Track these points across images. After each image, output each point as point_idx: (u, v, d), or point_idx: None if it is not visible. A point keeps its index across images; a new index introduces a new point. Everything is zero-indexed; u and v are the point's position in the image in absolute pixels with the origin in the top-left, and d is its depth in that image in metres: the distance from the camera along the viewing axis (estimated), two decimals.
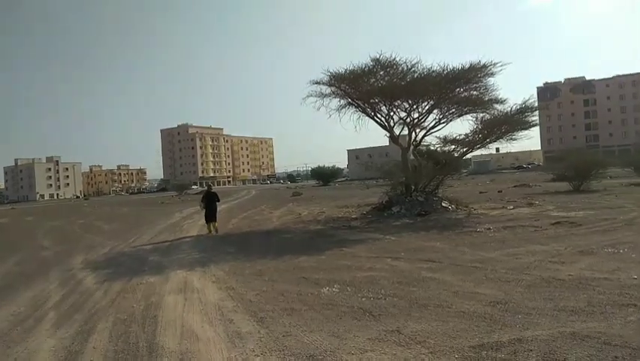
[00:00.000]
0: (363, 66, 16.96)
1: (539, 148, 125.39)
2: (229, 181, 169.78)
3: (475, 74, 16.71)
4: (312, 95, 18.69)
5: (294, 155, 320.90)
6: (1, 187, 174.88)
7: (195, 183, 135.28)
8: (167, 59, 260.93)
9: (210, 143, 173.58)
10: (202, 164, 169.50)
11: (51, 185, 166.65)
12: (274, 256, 10.27)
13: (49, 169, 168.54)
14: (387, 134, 19.41)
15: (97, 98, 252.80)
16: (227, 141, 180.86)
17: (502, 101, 18.02)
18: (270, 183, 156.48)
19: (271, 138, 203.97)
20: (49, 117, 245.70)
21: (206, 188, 18.96)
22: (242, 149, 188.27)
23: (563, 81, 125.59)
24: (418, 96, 17.70)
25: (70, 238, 18.63)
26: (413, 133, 19.07)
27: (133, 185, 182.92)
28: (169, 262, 10.78)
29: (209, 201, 16.37)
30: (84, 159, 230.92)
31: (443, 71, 16.69)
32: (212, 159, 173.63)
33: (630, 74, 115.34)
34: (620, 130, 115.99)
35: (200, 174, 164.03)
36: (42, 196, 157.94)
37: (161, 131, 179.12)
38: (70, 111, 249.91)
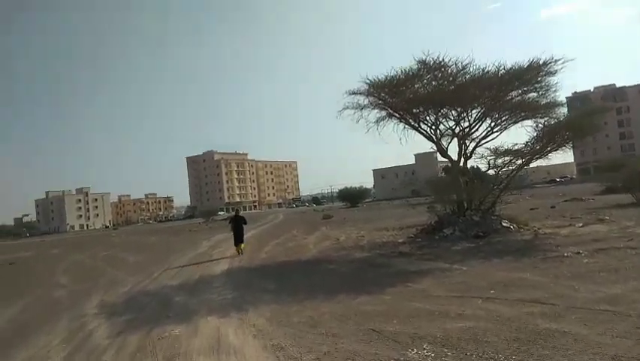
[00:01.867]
0: (407, 71, 15.10)
1: (571, 160, 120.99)
2: (255, 206, 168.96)
3: (534, 73, 14.65)
4: (348, 108, 16.91)
5: (318, 177, 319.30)
6: (33, 219, 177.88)
7: (222, 209, 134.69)
8: (190, 86, 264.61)
9: (235, 168, 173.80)
10: (228, 190, 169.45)
11: (81, 216, 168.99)
12: (325, 296, 8.33)
13: (79, 200, 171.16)
14: (434, 147, 17.41)
15: (122, 129, 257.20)
16: (252, 166, 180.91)
17: (562, 104, 15.89)
18: (296, 206, 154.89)
19: (295, 161, 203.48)
20: (76, 149, 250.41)
21: (234, 213, 19.64)
22: (267, 173, 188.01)
23: (592, 90, 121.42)
24: (468, 102, 15.72)
25: (91, 273, 17.08)
26: (463, 144, 17.00)
27: (161, 213, 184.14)
28: (198, 304, 8.97)
29: (237, 225, 17.62)
30: (113, 189, 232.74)
31: (498, 70, 14.67)
32: (237, 184, 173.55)
33: None
34: None
35: (227, 200, 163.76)
36: (72, 227, 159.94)
37: (187, 158, 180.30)
38: (97, 142, 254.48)
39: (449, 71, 14.86)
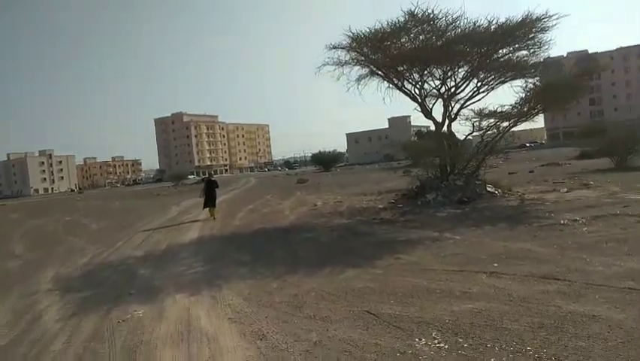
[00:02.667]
0: (393, 24, 13.96)
1: (541, 126, 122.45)
2: (226, 170, 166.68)
3: (528, 28, 13.73)
4: (328, 64, 15.77)
5: (290, 141, 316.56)
6: None
7: (192, 173, 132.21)
8: (159, 47, 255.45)
9: (205, 131, 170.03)
10: (198, 153, 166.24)
11: (45, 179, 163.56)
12: (307, 269, 7.49)
13: (43, 163, 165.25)
14: (418, 108, 16.49)
15: (88, 90, 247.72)
16: (222, 129, 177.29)
17: (554, 63, 15.12)
18: (268, 170, 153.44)
19: (267, 125, 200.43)
20: (40, 111, 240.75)
21: (206, 176, 19.79)
22: (238, 136, 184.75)
23: (565, 55, 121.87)
24: (456, 59, 14.79)
25: (50, 240, 15.84)
26: (448, 105, 16.14)
27: (128, 176, 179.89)
28: (164, 278, 8.01)
29: (209, 188, 17.55)
30: (78, 152, 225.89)
31: (490, 25, 13.69)
32: (208, 147, 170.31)
33: (635, 46, 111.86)
34: (625, 104, 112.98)
35: (197, 164, 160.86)
36: (36, 191, 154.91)
37: (155, 120, 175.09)
38: (62, 104, 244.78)
39: (438, 24, 13.81)
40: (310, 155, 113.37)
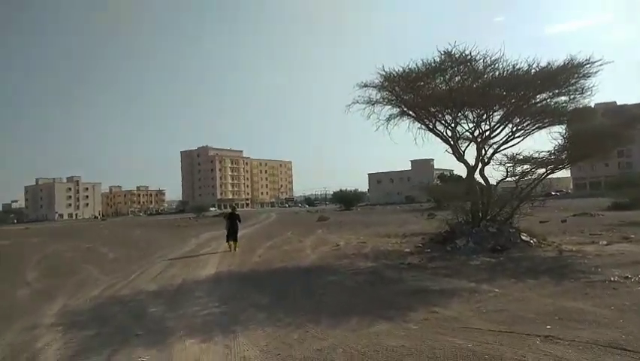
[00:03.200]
0: (428, 63, 13.53)
1: (567, 175, 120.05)
2: (247, 204, 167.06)
3: (569, 74, 13.13)
4: (358, 102, 15.36)
5: (311, 179, 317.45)
6: (22, 206, 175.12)
7: (213, 206, 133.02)
8: (189, 81, 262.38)
9: (230, 165, 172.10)
10: (221, 186, 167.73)
11: (70, 205, 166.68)
12: (332, 319, 6.76)
13: (70, 189, 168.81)
14: (450, 150, 15.85)
15: (119, 119, 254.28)
16: (246, 164, 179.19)
17: (593, 111, 14.42)
18: (289, 206, 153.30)
19: (290, 161, 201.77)
20: (71, 137, 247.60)
21: (230, 210, 20.12)
22: (261, 172, 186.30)
23: (593, 106, 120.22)
24: (492, 103, 14.22)
25: (65, 268, 15.42)
26: (482, 149, 15.47)
27: (151, 206, 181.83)
28: (176, 319, 7.37)
29: (232, 222, 18.03)
30: (104, 180, 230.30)
31: (530, 68, 13.13)
32: (231, 181, 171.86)
33: None
34: None
35: (219, 196, 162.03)
36: (61, 216, 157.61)
37: (181, 153, 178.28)
38: (92, 132, 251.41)
39: (475, 66, 13.30)
40: (331, 192, 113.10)
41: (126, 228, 48.08)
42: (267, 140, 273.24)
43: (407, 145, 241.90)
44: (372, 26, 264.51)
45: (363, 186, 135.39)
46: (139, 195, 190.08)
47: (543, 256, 12.35)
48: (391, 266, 12.00)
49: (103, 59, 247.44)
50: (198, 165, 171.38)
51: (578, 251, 13.07)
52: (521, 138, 15.56)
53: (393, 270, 11.33)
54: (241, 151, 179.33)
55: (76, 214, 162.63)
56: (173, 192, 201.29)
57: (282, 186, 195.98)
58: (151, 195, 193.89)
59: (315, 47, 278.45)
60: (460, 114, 14.89)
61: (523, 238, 14.50)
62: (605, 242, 14.92)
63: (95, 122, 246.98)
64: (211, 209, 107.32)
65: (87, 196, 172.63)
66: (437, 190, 70.46)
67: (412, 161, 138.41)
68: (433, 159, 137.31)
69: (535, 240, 14.65)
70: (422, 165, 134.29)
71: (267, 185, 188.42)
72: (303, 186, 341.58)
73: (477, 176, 15.81)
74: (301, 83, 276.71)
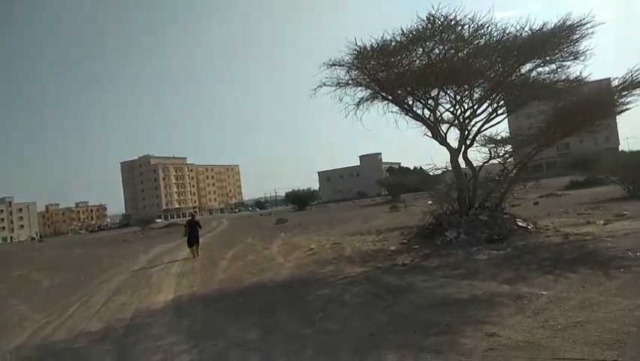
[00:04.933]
0: (407, 32, 11.75)
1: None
2: (195, 212, 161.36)
3: (563, 37, 11.72)
4: (326, 84, 13.48)
5: (260, 181, 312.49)
6: None
7: (159, 217, 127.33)
8: (128, 88, 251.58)
9: (174, 173, 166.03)
10: (166, 195, 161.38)
11: (4, 228, 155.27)
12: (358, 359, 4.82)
13: (1, 211, 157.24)
14: (429, 134, 14.26)
15: (50, 131, 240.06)
16: (191, 171, 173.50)
17: (581, 80, 13.15)
18: (239, 211, 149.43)
19: (237, 165, 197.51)
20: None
21: (189, 217, 20.07)
22: (207, 178, 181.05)
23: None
24: (476, 76, 12.70)
25: None
26: (464, 130, 13.95)
27: (93, 222, 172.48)
28: None
29: (192, 228, 18.50)
30: (39, 199, 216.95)
31: (522, 32, 11.59)
32: (176, 190, 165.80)
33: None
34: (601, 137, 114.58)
35: (165, 207, 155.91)
36: None
37: (121, 163, 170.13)
38: (22, 149, 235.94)
39: (461, 32, 11.63)
40: (283, 194, 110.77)
41: (65, 248, 43.75)
42: (211, 144, 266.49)
43: (349, 141, 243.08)
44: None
45: (313, 185, 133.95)
46: (78, 212, 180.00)
47: (553, 243, 10.94)
48: (386, 270, 10.19)
49: (30, 70, 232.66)
50: (140, 175, 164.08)
51: (584, 234, 11.78)
52: (506, 115, 14.23)
53: (392, 274, 9.51)
54: (185, 158, 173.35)
55: (11, 237, 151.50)
56: (116, 206, 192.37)
57: (230, 191, 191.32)
58: (91, 210, 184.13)
59: (261, 26, 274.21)
60: (441, 92, 13.28)
61: (520, 224, 13.11)
62: (601, 221, 13.80)
63: (26, 137, 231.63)
64: (157, 221, 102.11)
65: (22, 217, 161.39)
66: (387, 183, 70.25)
67: (360, 156, 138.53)
68: (380, 153, 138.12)
69: (532, 225, 13.29)
70: (371, 160, 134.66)
71: (214, 191, 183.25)
72: (252, 189, 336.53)
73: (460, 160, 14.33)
74: (244, 81, 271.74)
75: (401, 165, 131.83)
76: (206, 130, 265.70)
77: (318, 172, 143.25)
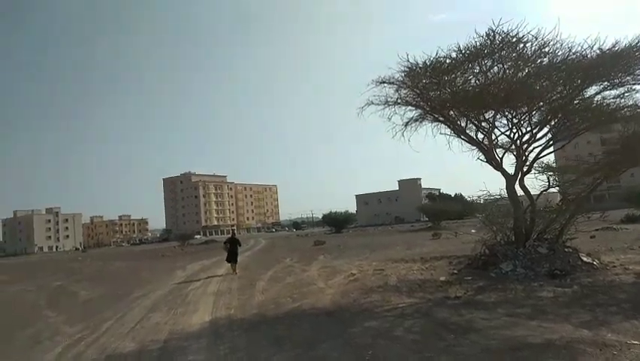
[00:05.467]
0: (464, 49, 11.07)
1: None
2: (233, 230, 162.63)
3: (635, 59, 10.73)
4: (373, 102, 12.93)
5: (296, 202, 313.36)
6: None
7: (198, 233, 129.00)
8: (170, 105, 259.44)
9: (214, 191, 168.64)
10: (205, 213, 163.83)
11: (50, 237, 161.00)
12: None
13: (49, 220, 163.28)
14: (483, 158, 13.43)
15: (99, 147, 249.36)
16: (230, 189, 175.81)
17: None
18: (276, 230, 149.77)
19: (275, 185, 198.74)
20: (49, 168, 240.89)
21: (230, 235, 21.56)
22: (246, 197, 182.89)
23: None
24: (536, 98, 11.85)
25: (19, 317, 12.46)
26: (522, 155, 13.05)
27: (134, 235, 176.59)
28: None
29: (232, 245, 19.41)
30: (85, 210, 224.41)
31: (587, 53, 10.70)
32: (215, 207, 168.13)
33: None
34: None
35: (204, 223, 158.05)
36: (41, 248, 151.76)
37: (164, 180, 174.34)
38: (70, 161, 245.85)
39: (523, 50, 10.87)
40: (319, 215, 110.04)
41: (107, 260, 44.50)
42: (251, 164, 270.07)
43: (393, 166, 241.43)
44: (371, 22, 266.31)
45: (350, 208, 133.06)
46: (121, 225, 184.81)
47: (625, 282, 9.88)
48: (438, 302, 9.38)
49: (77, 83, 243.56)
50: (181, 191, 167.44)
51: None
52: (567, 141, 13.25)
53: (445, 308, 8.70)
54: (225, 176, 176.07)
55: (56, 246, 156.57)
56: (157, 221, 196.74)
57: (267, 210, 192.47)
58: (133, 224, 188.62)
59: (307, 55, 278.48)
60: (497, 115, 12.48)
61: (584, 259, 12.02)
62: None
63: (76, 150, 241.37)
64: (196, 236, 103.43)
65: (67, 228, 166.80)
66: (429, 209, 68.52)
67: (399, 181, 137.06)
68: (420, 178, 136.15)
69: (597, 261, 12.18)
70: (410, 185, 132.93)
71: (252, 210, 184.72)
72: (289, 209, 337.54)
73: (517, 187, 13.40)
74: (282, 106, 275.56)
75: (441, 191, 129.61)
76: (246, 149, 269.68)
77: (356, 195, 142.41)
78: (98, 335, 9.04)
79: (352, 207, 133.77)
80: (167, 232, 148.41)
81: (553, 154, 13.43)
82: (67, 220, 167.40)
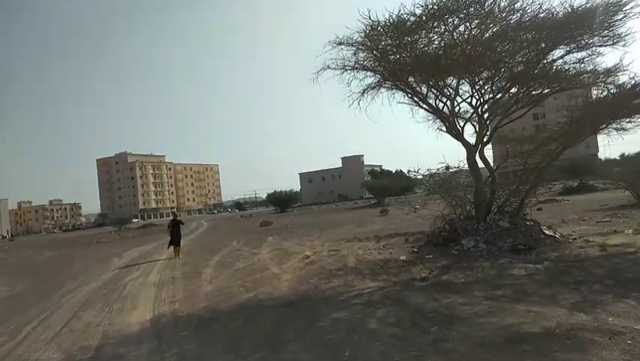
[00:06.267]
0: (430, 4, 10.16)
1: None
2: (173, 212, 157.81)
3: (605, 16, 10.24)
4: (330, 67, 11.89)
5: (239, 182, 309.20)
6: None
7: (136, 217, 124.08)
8: (102, 83, 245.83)
9: (152, 172, 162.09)
10: (143, 195, 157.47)
11: None
12: None
13: None
14: (443, 128, 12.78)
15: (24, 127, 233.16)
16: (169, 169, 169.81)
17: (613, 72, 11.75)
18: (218, 212, 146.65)
19: (217, 165, 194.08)
20: None
21: (171, 217, 20.90)
22: (186, 177, 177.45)
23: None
24: (500, 62, 11.23)
25: None
26: (483, 124, 12.49)
27: (67, 221, 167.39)
28: None
29: (175, 228, 18.98)
30: (11, 195, 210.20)
31: (560, 9, 10.09)
32: (154, 189, 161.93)
33: None
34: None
35: (142, 206, 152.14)
36: None
37: (97, 161, 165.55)
38: None
39: (491, 6, 10.12)
40: (261, 196, 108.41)
41: (36, 248, 41.16)
42: (190, 143, 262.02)
43: (330, 143, 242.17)
44: None
45: (294, 187, 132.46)
46: (52, 210, 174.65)
47: (592, 256, 9.57)
48: (405, 285, 8.64)
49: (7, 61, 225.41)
50: (117, 172, 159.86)
51: (623, 245, 10.42)
52: (528, 108, 12.82)
53: (416, 292, 7.96)
54: (163, 156, 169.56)
55: None
56: (91, 205, 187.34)
57: (209, 191, 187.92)
58: (65, 209, 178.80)
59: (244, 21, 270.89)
60: (460, 80, 11.80)
61: (546, 232, 11.70)
62: (630, 231, 12.49)
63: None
64: (134, 220, 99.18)
65: None
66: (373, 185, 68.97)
67: (342, 158, 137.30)
68: (362, 155, 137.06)
69: (560, 234, 11.91)
70: (353, 162, 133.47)
71: (193, 191, 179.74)
72: (231, 190, 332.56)
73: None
74: (221, 80, 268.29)
75: (382, 167, 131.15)
76: (184, 128, 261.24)
77: (300, 173, 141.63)
78: (15, 342, 7.63)
79: (296, 187, 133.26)
80: (103, 216, 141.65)
81: (513, 123, 12.85)
82: None
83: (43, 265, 23.34)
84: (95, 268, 17.83)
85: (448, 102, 12.30)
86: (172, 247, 18.66)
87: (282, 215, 57.02)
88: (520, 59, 11.30)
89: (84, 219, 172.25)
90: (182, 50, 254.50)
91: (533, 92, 12.41)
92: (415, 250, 12.55)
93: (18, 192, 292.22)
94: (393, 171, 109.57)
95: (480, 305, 6.61)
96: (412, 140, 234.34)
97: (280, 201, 76.66)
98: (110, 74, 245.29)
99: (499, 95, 12.17)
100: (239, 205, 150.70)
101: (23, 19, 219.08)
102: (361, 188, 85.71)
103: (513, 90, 12.41)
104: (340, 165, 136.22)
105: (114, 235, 50.85)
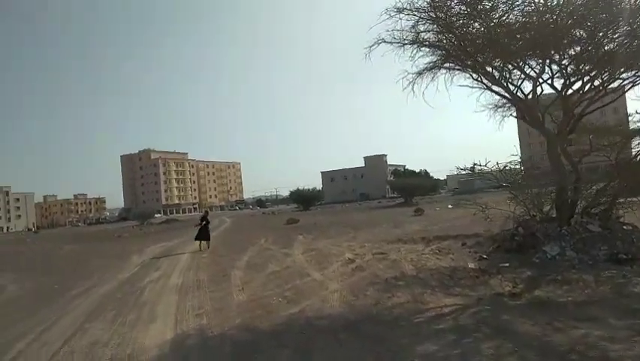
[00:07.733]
0: None
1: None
2: (195, 208, 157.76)
3: None
4: (385, 40, 10.00)
5: (260, 179, 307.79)
6: None
7: (159, 212, 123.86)
8: (131, 81, 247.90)
9: (174, 168, 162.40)
10: (166, 191, 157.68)
11: (0, 217, 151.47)
12: None
13: None
14: (513, 114, 10.79)
15: (51, 123, 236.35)
16: (192, 166, 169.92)
17: None
18: (239, 209, 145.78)
19: (239, 162, 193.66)
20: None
21: (204, 213, 20.53)
22: (208, 174, 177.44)
23: None
24: (594, 35, 9.18)
25: None
26: (570, 111, 10.45)
27: (91, 215, 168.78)
28: None
29: (205, 227, 18.80)
30: (37, 189, 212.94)
31: None
32: (176, 185, 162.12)
33: None
34: None
35: (164, 202, 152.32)
36: None
37: (122, 157, 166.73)
38: (23, 139, 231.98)
39: None
40: (283, 193, 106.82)
41: (57, 242, 40.20)
42: (213, 141, 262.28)
43: (355, 144, 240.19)
44: None
45: (314, 185, 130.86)
46: (77, 204, 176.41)
47: None
48: (494, 304, 6.73)
49: (27, 59, 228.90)
50: (140, 169, 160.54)
51: None
52: (620, 94, 10.73)
53: (516, 315, 6.04)
54: (186, 153, 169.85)
55: (7, 227, 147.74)
56: (115, 200, 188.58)
57: (231, 188, 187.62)
58: (90, 203, 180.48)
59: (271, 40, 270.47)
60: (547, 58, 9.75)
61: None
62: None
63: (27, 125, 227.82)
64: (156, 215, 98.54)
65: (19, 207, 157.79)
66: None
67: (365, 157, 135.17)
68: (386, 155, 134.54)
69: None
70: (375, 161, 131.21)
71: (215, 188, 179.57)
72: (252, 187, 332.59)
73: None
74: (243, 83, 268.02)
75: (406, 167, 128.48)
76: (209, 126, 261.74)
77: (322, 172, 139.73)
78: (13, 354, 5.97)
79: (317, 185, 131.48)
80: (126, 210, 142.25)
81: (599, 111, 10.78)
82: (18, 200, 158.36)
83: (60, 260, 21.99)
84: (113, 265, 16.29)
85: (528, 84, 10.29)
86: (198, 242, 18.67)
87: (305, 213, 55.20)
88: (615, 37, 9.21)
89: (108, 213, 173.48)
90: (208, 50, 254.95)
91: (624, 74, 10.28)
92: (484, 256, 10.57)
93: (44, 186, 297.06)
94: (417, 171, 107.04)
95: (632, 342, 4.67)
96: (431, 139, 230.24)
97: (303, 198, 75.26)
98: (137, 71, 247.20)
99: (594, 72, 10.06)
100: (260, 202, 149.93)
101: (57, 17, 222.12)
102: (383, 188, 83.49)
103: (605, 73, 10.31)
104: (363, 165, 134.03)
105: (136, 229, 49.84)
